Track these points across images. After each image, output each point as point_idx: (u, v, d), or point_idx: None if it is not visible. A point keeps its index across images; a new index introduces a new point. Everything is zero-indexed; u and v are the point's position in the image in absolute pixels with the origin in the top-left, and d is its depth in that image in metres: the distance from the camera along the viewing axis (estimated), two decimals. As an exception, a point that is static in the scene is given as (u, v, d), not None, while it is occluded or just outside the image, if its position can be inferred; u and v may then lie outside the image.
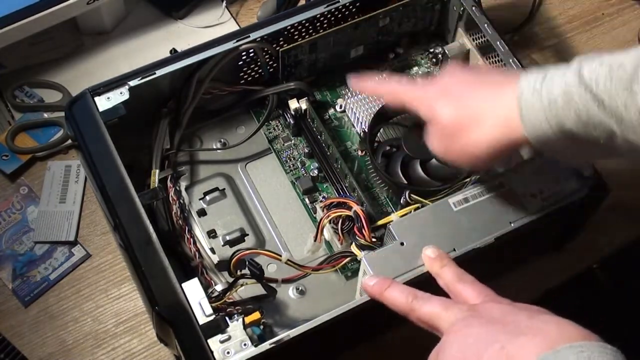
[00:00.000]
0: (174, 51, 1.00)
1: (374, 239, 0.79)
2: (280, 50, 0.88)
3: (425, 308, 0.65)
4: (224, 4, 1.07)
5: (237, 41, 0.86)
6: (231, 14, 1.07)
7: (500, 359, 0.56)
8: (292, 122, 0.91)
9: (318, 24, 0.91)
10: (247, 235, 0.88)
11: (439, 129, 0.70)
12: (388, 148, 0.88)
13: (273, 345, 0.70)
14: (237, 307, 0.77)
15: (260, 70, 0.92)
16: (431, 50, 0.97)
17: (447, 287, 0.68)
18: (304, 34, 0.91)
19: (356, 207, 0.80)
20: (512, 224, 0.76)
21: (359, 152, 0.92)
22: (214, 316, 0.72)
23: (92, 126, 0.81)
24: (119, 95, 0.83)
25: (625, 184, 0.97)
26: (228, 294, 0.78)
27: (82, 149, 0.80)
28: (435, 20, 0.97)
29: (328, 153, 0.89)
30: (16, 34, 0.93)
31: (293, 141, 0.93)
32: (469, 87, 0.69)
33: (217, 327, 0.72)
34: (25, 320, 0.88)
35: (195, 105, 0.89)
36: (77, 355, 0.86)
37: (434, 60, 0.97)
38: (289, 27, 0.88)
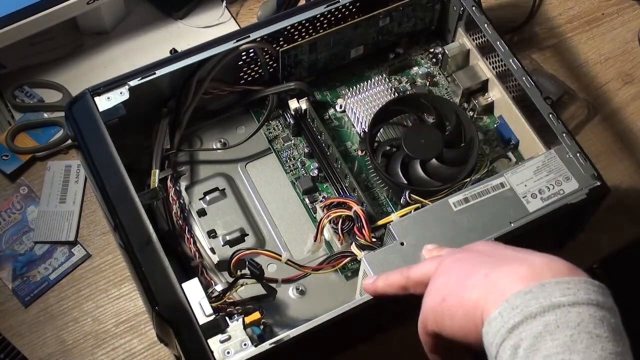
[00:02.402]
0: (174, 51, 1.00)
1: (374, 239, 0.79)
2: (280, 50, 0.88)
3: (418, 270, 0.65)
4: (224, 4, 1.07)
5: (237, 41, 0.86)
6: (231, 14, 1.07)
7: (483, 285, 0.56)
8: (292, 122, 0.91)
9: (318, 24, 0.91)
10: (247, 235, 0.88)
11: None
12: (388, 148, 0.88)
13: (273, 345, 0.70)
14: (237, 307, 0.77)
15: (260, 70, 0.92)
16: (431, 50, 0.97)
17: None
18: (304, 34, 0.91)
19: (356, 207, 0.80)
20: (512, 224, 0.76)
21: (359, 152, 0.92)
22: (214, 316, 0.72)
23: (92, 126, 0.81)
24: (119, 95, 0.82)
25: (626, 184, 0.97)
26: (228, 294, 0.78)
27: (82, 149, 0.80)
28: (435, 20, 0.97)
29: (328, 153, 0.89)
30: (16, 34, 0.93)
31: (293, 141, 0.93)
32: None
33: (217, 327, 0.72)
34: (25, 320, 0.88)
35: (195, 105, 0.89)
36: (77, 355, 0.86)
37: (434, 60, 0.97)
38: (289, 27, 0.88)
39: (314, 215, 0.88)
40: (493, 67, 0.91)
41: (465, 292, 0.57)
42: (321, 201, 0.87)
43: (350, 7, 0.91)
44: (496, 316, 0.54)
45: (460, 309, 0.57)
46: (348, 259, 0.82)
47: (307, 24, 0.90)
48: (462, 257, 0.61)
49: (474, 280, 0.57)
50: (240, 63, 0.90)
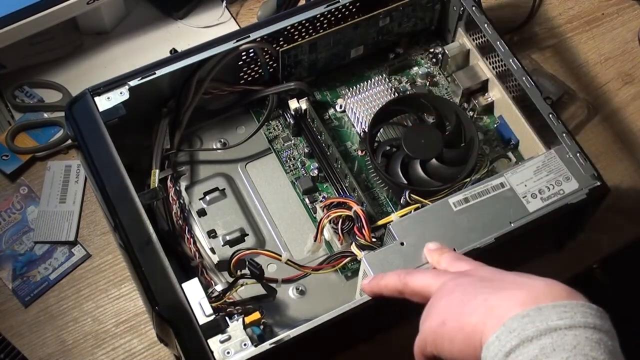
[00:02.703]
0: (174, 51, 1.00)
1: (374, 239, 0.79)
2: (280, 50, 0.88)
3: (417, 280, 0.65)
4: (224, 4, 1.07)
5: (237, 41, 0.86)
6: (231, 14, 1.07)
7: (482, 309, 0.57)
8: (292, 122, 0.91)
9: (318, 24, 0.91)
10: (247, 235, 0.88)
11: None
12: (388, 148, 0.88)
13: (273, 345, 0.70)
14: (237, 307, 0.77)
15: (260, 70, 0.92)
16: (431, 50, 0.97)
17: (446, 270, 0.68)
18: (304, 34, 0.91)
19: (356, 207, 0.80)
20: (512, 224, 0.76)
21: (359, 152, 0.92)
22: (214, 316, 0.72)
23: (92, 126, 0.81)
24: (119, 95, 0.82)
25: (626, 184, 0.97)
26: (228, 294, 0.78)
27: (82, 149, 0.80)
28: (435, 20, 0.97)
29: (328, 153, 0.89)
30: (16, 34, 0.93)
31: (293, 141, 0.93)
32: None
33: (217, 327, 0.72)
34: (25, 320, 0.88)
35: (195, 105, 0.89)
36: (77, 355, 0.86)
37: (434, 60, 0.97)
38: (289, 27, 0.88)
39: (314, 215, 0.88)
40: (493, 67, 0.91)
41: (465, 316, 0.57)
42: (321, 201, 0.87)
43: (350, 7, 0.91)
44: (494, 340, 0.54)
45: (460, 333, 0.57)
46: (348, 259, 0.82)
47: (307, 24, 0.90)
48: (463, 281, 0.62)
49: (473, 304, 0.58)
50: (240, 63, 0.90)
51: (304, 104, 0.90)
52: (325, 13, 0.89)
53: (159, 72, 0.84)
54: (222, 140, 0.93)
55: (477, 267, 0.64)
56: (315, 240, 0.84)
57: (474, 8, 0.89)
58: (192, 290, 0.73)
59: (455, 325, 0.58)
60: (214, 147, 0.93)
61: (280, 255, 0.81)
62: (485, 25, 0.88)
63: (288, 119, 0.92)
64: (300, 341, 0.71)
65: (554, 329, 0.53)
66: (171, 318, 0.71)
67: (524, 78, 0.85)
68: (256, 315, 0.74)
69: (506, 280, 0.59)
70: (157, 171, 0.86)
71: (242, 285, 0.80)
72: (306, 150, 0.92)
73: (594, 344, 0.52)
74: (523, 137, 0.90)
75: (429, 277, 0.65)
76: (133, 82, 0.83)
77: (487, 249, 0.75)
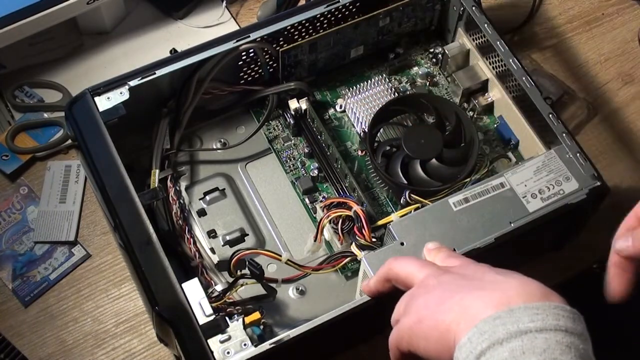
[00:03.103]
0: (174, 51, 1.00)
1: (374, 239, 0.79)
2: (280, 50, 0.88)
3: (401, 266, 0.65)
4: (224, 4, 1.07)
5: (237, 41, 0.86)
6: (231, 14, 1.07)
7: (457, 309, 0.57)
8: (292, 122, 0.91)
9: (318, 24, 0.91)
10: (247, 235, 0.88)
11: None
12: (388, 148, 0.88)
13: (273, 345, 0.70)
14: (237, 307, 0.77)
15: (260, 70, 0.92)
16: (431, 50, 0.97)
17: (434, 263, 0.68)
18: (304, 34, 0.91)
19: (356, 207, 0.80)
20: (512, 224, 0.76)
21: (359, 152, 0.92)
22: (214, 316, 0.72)
23: (92, 126, 0.81)
24: (119, 95, 0.83)
25: (625, 184, 0.97)
26: (228, 294, 0.78)
27: (82, 149, 0.80)
28: (435, 20, 0.97)
29: (328, 153, 0.89)
30: (16, 34, 0.93)
31: (293, 141, 0.93)
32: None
33: (217, 327, 0.72)
34: (25, 320, 0.88)
35: (195, 105, 0.89)
36: (77, 355, 0.86)
37: (434, 60, 0.97)
38: (289, 27, 0.88)
39: (314, 215, 0.88)
40: (493, 67, 0.91)
41: (440, 314, 0.58)
42: (321, 201, 0.87)
43: (350, 7, 0.91)
44: (466, 342, 0.54)
45: (435, 331, 0.58)
46: (348, 259, 0.82)
47: (307, 24, 0.90)
48: (444, 279, 0.62)
49: (449, 304, 0.58)
50: (240, 63, 0.90)
51: (304, 104, 0.90)
52: (325, 13, 0.89)
53: (159, 72, 0.84)
54: (222, 140, 0.93)
55: (464, 265, 0.64)
56: (315, 240, 0.84)
57: (474, 8, 0.89)
58: (192, 290, 0.73)
59: (430, 323, 0.58)
60: (214, 147, 0.93)
61: (280, 255, 0.81)
62: (485, 25, 0.88)
63: (288, 119, 0.92)
64: (300, 341, 0.71)
65: (524, 331, 0.52)
66: (171, 318, 0.71)
67: (524, 78, 0.85)
68: (256, 315, 0.74)
69: (484, 280, 0.59)
70: (157, 171, 0.86)
71: (242, 285, 0.80)
72: (306, 150, 0.92)
73: (565, 347, 0.52)
74: (523, 137, 0.90)
75: (414, 266, 0.65)
76: (133, 82, 0.83)
77: (487, 249, 0.75)
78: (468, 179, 0.83)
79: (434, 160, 0.86)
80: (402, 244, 0.75)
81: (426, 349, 0.58)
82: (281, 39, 0.89)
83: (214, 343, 0.71)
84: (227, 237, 0.87)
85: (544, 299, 0.55)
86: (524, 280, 0.57)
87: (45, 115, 0.99)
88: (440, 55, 0.96)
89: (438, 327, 0.57)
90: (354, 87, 0.95)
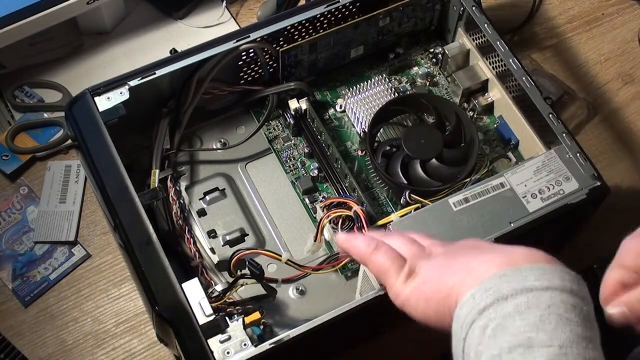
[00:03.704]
0: (174, 51, 1.00)
1: (374, 239, 0.79)
2: (280, 50, 0.88)
3: (392, 242, 0.65)
4: (224, 4, 1.07)
5: (237, 41, 0.86)
6: (231, 14, 1.07)
7: (462, 272, 0.57)
8: (292, 122, 0.91)
9: (318, 24, 0.91)
10: (247, 235, 0.88)
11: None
12: (388, 148, 0.88)
13: (273, 345, 0.70)
14: (237, 307, 0.77)
15: (260, 70, 0.92)
16: (431, 50, 0.97)
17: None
18: (304, 34, 0.91)
19: (356, 207, 0.80)
20: (512, 224, 0.76)
21: (359, 152, 0.92)
22: (214, 316, 0.72)
23: (92, 126, 0.81)
24: (119, 95, 0.82)
25: (625, 184, 0.97)
26: (228, 294, 0.78)
27: (82, 149, 0.80)
28: (435, 20, 0.97)
29: (328, 153, 0.89)
30: (16, 34, 0.93)
31: (293, 141, 0.93)
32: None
33: (217, 327, 0.72)
34: (25, 320, 0.88)
35: (195, 105, 0.89)
36: (77, 355, 0.86)
37: (434, 60, 0.97)
38: (289, 27, 0.88)
39: (314, 215, 0.88)
40: (493, 67, 0.91)
41: (444, 277, 0.58)
42: (321, 201, 0.87)
43: (350, 7, 0.91)
44: (468, 298, 0.55)
45: (437, 293, 0.58)
46: (348, 259, 0.82)
47: (307, 24, 0.90)
48: (450, 249, 0.63)
49: (454, 267, 0.59)
50: (240, 63, 0.90)
51: (304, 104, 0.90)
52: (325, 13, 0.89)
53: (159, 72, 0.84)
54: (222, 140, 0.93)
55: (466, 240, 0.65)
56: (315, 240, 0.84)
57: (474, 8, 0.89)
58: (192, 290, 0.73)
59: (433, 285, 0.59)
60: (214, 147, 0.93)
61: (280, 255, 0.81)
62: (485, 25, 0.88)
63: (288, 119, 0.92)
64: (300, 341, 0.71)
65: (530, 289, 0.53)
66: (171, 318, 0.71)
67: (524, 78, 0.85)
68: (256, 315, 0.74)
69: (490, 248, 0.60)
70: (157, 171, 0.86)
71: (242, 285, 0.80)
72: (306, 150, 0.92)
73: (569, 306, 0.52)
74: (523, 137, 0.90)
75: (405, 244, 0.64)
76: (133, 82, 0.83)
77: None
78: (468, 179, 0.83)
79: (434, 160, 0.86)
80: (402, 244, 0.75)
81: (425, 311, 0.59)
82: (281, 39, 0.89)
83: (214, 343, 0.71)
84: (227, 237, 0.87)
85: (550, 262, 0.56)
86: (529, 248, 0.58)
87: (45, 115, 0.99)
88: (440, 55, 0.96)
89: (441, 289, 0.58)
90: (354, 87, 0.95)
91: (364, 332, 0.84)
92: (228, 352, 0.70)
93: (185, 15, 1.07)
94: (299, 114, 0.90)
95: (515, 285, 0.53)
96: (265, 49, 0.89)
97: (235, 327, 0.72)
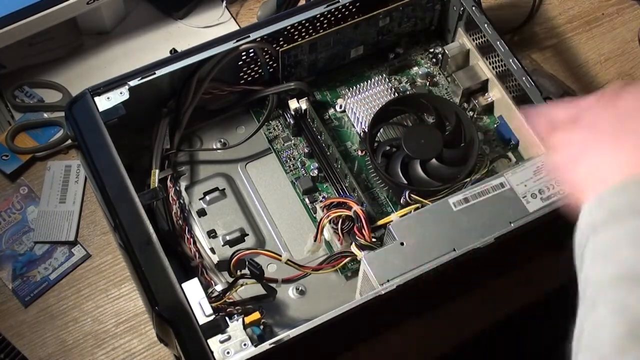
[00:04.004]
0: (174, 51, 1.00)
1: (374, 239, 0.79)
2: (280, 50, 0.88)
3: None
4: (224, 4, 1.07)
5: (237, 41, 0.86)
6: (231, 14, 1.07)
7: (588, 169, 0.56)
8: (292, 122, 0.91)
9: (318, 24, 0.91)
10: (247, 235, 0.88)
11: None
12: (388, 148, 0.88)
13: (273, 345, 0.70)
14: (237, 307, 0.77)
15: (260, 70, 0.92)
16: (431, 50, 0.97)
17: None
18: (304, 34, 0.91)
19: (356, 207, 0.80)
20: (512, 224, 0.76)
21: (359, 152, 0.92)
22: (214, 316, 0.72)
23: (92, 126, 0.81)
24: (119, 95, 0.83)
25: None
26: (228, 294, 0.78)
27: (82, 149, 0.80)
28: (435, 20, 0.97)
29: (328, 153, 0.89)
30: (16, 34, 0.93)
31: (293, 141, 0.93)
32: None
33: (217, 327, 0.72)
34: (25, 320, 0.88)
35: (195, 105, 0.89)
36: (77, 355, 0.86)
37: (434, 60, 0.97)
38: (289, 27, 0.88)
39: (314, 215, 0.88)
40: (493, 67, 0.91)
41: (571, 173, 0.57)
42: (321, 201, 0.87)
43: (350, 7, 0.91)
44: (585, 213, 0.53)
45: (567, 185, 0.58)
46: (348, 259, 0.82)
47: (307, 24, 0.90)
48: (587, 137, 0.58)
49: (584, 162, 0.56)
50: (240, 63, 0.90)
51: (304, 104, 0.90)
52: (325, 13, 0.89)
53: (159, 72, 0.84)
54: (222, 140, 0.93)
55: (601, 113, 0.59)
56: (315, 240, 0.84)
57: (474, 8, 0.89)
58: (192, 290, 0.73)
59: (566, 176, 0.58)
60: (214, 147, 0.93)
61: (280, 255, 0.81)
62: (485, 25, 0.88)
63: (288, 119, 0.92)
64: (300, 341, 0.71)
65: None
66: (171, 318, 0.71)
67: (524, 78, 0.85)
68: (256, 315, 0.74)
69: (630, 134, 0.55)
70: (157, 171, 0.86)
71: (242, 285, 0.80)
72: (306, 150, 0.92)
73: None
74: (523, 137, 0.90)
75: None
76: (133, 82, 0.83)
77: (487, 249, 0.75)
78: (468, 179, 0.83)
79: (434, 160, 0.86)
80: (402, 244, 0.75)
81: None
82: (281, 39, 0.89)
83: (214, 343, 0.71)
84: (227, 237, 0.87)
85: None
86: None
87: (45, 115, 0.99)
88: (440, 55, 0.96)
89: (570, 182, 0.57)
90: (354, 87, 0.95)
91: (364, 332, 0.84)
92: (228, 352, 0.70)
93: (185, 15, 1.07)
94: (299, 114, 0.90)
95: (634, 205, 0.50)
96: (265, 49, 0.89)
97: (235, 327, 0.72)
